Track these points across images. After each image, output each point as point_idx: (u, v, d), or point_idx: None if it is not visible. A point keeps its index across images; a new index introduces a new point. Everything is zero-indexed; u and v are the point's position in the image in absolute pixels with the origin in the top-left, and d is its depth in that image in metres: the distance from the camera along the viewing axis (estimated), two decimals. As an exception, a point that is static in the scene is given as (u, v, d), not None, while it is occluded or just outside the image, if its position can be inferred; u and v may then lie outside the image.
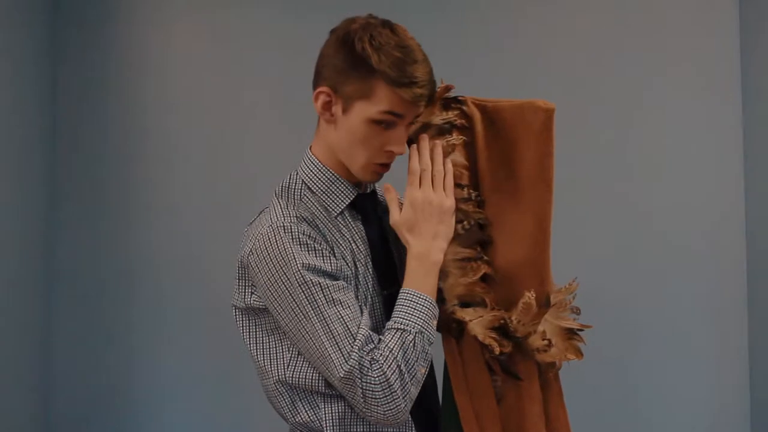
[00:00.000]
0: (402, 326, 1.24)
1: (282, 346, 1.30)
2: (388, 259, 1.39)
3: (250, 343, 1.34)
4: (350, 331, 1.21)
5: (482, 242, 1.32)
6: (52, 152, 2.75)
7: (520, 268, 1.31)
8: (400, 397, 1.20)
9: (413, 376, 1.22)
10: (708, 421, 2.47)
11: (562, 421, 1.37)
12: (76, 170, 2.75)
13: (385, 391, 1.19)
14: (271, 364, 1.31)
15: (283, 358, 1.30)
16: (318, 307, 1.22)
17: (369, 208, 1.40)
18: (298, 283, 1.22)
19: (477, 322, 1.29)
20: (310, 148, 1.39)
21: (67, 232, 2.74)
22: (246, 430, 2.63)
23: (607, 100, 2.51)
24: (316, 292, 1.22)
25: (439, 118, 1.32)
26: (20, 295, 2.59)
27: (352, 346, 1.20)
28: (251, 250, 1.27)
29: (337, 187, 1.35)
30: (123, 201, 2.74)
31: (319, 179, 1.35)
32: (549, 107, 1.29)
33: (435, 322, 1.28)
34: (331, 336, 1.21)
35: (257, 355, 1.33)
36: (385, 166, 1.34)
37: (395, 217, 1.31)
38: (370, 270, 1.34)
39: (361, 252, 1.34)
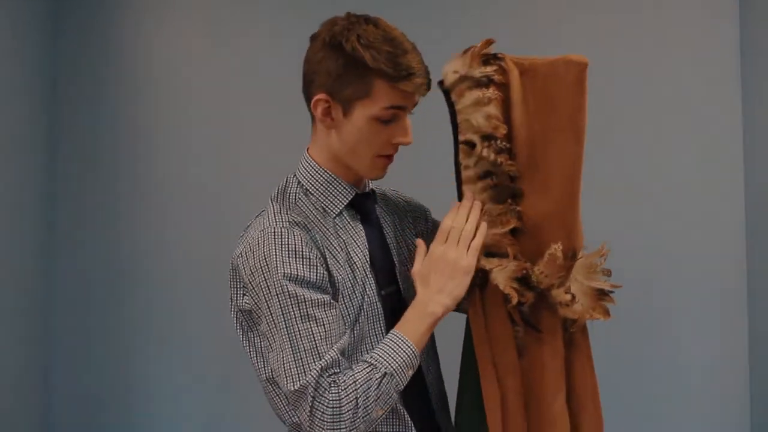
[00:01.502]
0: (375, 363, 1.22)
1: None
2: (387, 259, 1.39)
3: (244, 345, 1.34)
4: (317, 350, 1.20)
5: (513, 194, 1.32)
6: (52, 152, 2.75)
7: (549, 220, 1.32)
8: (346, 429, 1.18)
9: (367, 414, 1.20)
10: (708, 422, 2.47)
11: (588, 383, 1.36)
12: (76, 170, 2.75)
13: (335, 417, 1.18)
14: (261, 363, 1.32)
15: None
16: (290, 319, 1.21)
17: (368, 208, 1.40)
18: (276, 292, 1.22)
19: (500, 270, 1.29)
20: (307, 151, 1.39)
21: (67, 232, 2.74)
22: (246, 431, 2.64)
23: (606, 100, 2.51)
24: (292, 304, 1.21)
25: (478, 71, 1.31)
26: (20, 295, 2.59)
27: (313, 364, 1.19)
28: (240, 253, 1.29)
29: (335, 188, 1.35)
30: (123, 201, 2.74)
31: (317, 180, 1.35)
32: (582, 61, 1.33)
33: (410, 372, 1.25)
34: (297, 350, 1.20)
35: (251, 354, 1.33)
36: (390, 158, 1.34)
37: (415, 267, 1.31)
38: (368, 270, 1.33)
39: (360, 252, 1.34)
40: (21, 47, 2.62)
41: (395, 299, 1.36)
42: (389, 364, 1.22)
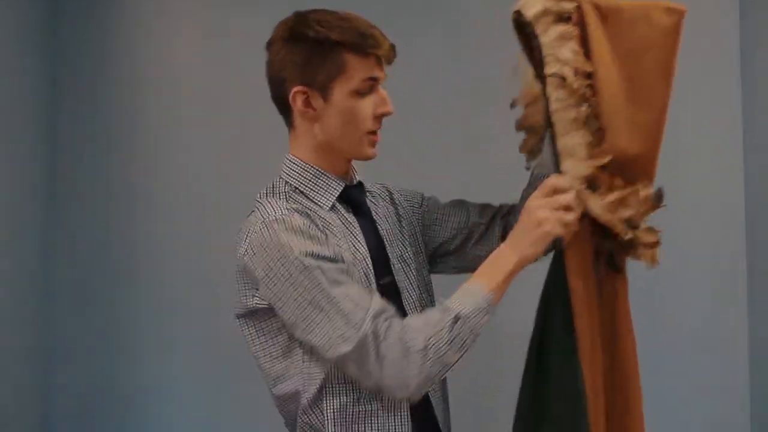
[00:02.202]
0: (446, 306, 1.21)
1: (292, 345, 1.28)
2: (381, 250, 1.38)
3: (256, 349, 1.31)
4: (359, 305, 1.19)
5: (601, 129, 1.30)
6: (52, 152, 2.75)
7: (633, 162, 1.32)
8: (417, 367, 1.16)
9: (439, 356, 1.18)
10: (708, 422, 2.47)
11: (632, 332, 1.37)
12: (76, 170, 2.76)
13: (403, 356, 1.16)
14: (271, 364, 1.30)
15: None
16: (323, 289, 1.20)
17: (359, 200, 1.40)
18: (298, 270, 1.20)
19: (598, 204, 1.27)
20: (289, 154, 1.38)
21: (66, 232, 2.74)
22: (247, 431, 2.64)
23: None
24: (319, 275, 1.20)
25: (559, 6, 1.29)
26: (21, 295, 2.59)
27: (362, 316, 1.18)
28: (246, 250, 1.26)
29: (324, 181, 1.35)
30: (124, 201, 2.74)
31: (304, 177, 1.34)
32: (682, 10, 1.32)
33: (486, 318, 1.21)
34: (341, 313, 1.18)
35: (264, 360, 1.31)
36: (376, 134, 1.35)
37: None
38: (368, 261, 1.33)
39: (359, 243, 1.34)
40: (21, 47, 2.62)
41: (392, 290, 1.35)
42: (461, 308, 1.20)
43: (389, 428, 1.29)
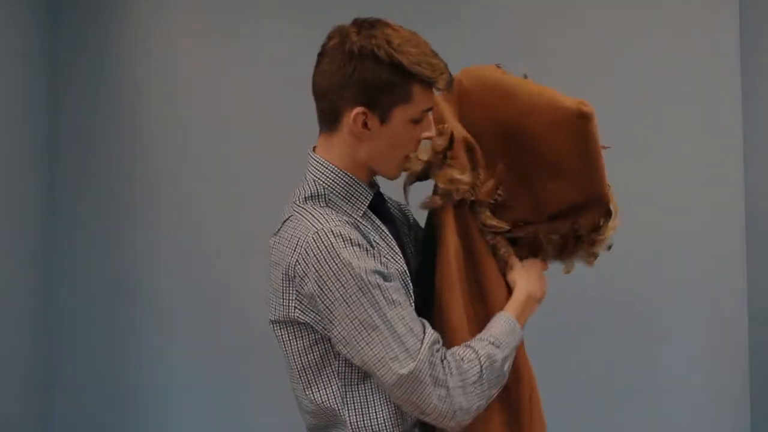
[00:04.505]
0: (497, 342, 1.26)
1: (326, 358, 1.28)
2: (405, 257, 1.37)
3: (292, 357, 1.30)
4: (413, 331, 1.21)
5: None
6: (54, 153, 2.75)
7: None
8: (475, 392, 1.21)
9: (483, 390, 1.23)
10: (708, 423, 2.47)
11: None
12: (77, 171, 2.75)
13: (460, 383, 1.20)
14: (301, 373, 1.29)
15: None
16: (380, 309, 1.20)
17: (384, 208, 1.40)
18: (357, 287, 1.19)
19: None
20: (316, 154, 1.34)
21: (67, 233, 2.74)
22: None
23: (606, 100, 2.51)
24: (377, 294, 1.20)
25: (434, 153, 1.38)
26: (22, 295, 2.59)
27: (417, 343, 1.20)
28: (297, 261, 1.23)
29: (356, 190, 1.32)
30: (125, 201, 2.74)
31: (337, 183, 1.31)
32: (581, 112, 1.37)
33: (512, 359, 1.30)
34: (396, 335, 1.19)
35: (299, 369, 1.29)
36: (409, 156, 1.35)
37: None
38: (407, 275, 1.32)
39: (397, 255, 1.32)
40: (21, 47, 2.62)
41: (417, 295, 1.34)
42: (508, 347, 1.27)
43: None
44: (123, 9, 2.78)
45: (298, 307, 1.25)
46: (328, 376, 1.28)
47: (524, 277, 1.38)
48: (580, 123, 1.34)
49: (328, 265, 1.20)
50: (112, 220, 2.73)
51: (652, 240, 2.49)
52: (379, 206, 1.37)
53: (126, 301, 2.72)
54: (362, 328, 1.20)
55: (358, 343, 1.20)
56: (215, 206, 2.68)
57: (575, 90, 2.61)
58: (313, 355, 1.27)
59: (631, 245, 2.47)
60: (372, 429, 1.26)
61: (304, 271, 1.22)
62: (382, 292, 1.20)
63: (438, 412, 1.20)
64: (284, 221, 1.31)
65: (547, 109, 1.34)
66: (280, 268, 1.26)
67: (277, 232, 1.31)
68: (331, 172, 1.32)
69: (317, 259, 1.21)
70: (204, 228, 2.68)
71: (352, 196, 1.32)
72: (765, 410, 2.37)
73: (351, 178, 1.32)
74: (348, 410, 1.26)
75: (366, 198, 1.33)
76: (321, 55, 1.31)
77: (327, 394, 1.28)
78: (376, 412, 1.26)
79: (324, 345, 1.27)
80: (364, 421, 1.26)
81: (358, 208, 1.32)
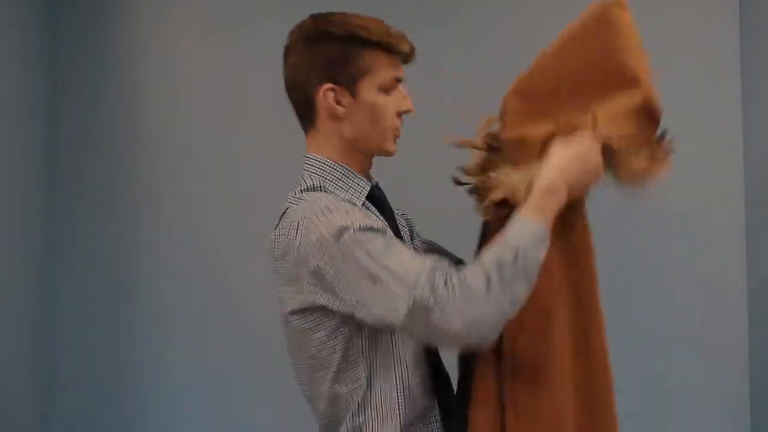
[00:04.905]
0: (501, 242, 1.19)
1: (348, 347, 1.27)
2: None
3: (313, 348, 1.28)
4: (412, 268, 1.17)
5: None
6: (54, 153, 2.75)
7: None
8: (483, 300, 1.14)
9: (506, 288, 1.16)
10: (708, 422, 2.47)
11: None
12: (77, 171, 2.75)
13: (466, 292, 1.14)
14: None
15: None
16: (377, 256, 1.17)
17: (382, 199, 1.39)
18: (352, 243, 1.18)
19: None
20: (311, 154, 1.35)
21: (67, 233, 2.74)
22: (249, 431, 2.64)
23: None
24: (373, 241, 1.19)
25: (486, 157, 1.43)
26: (22, 295, 2.59)
27: (418, 274, 1.16)
28: (300, 243, 1.22)
29: (353, 181, 1.33)
30: (125, 201, 2.74)
31: (333, 176, 1.32)
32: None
33: (543, 247, 1.20)
34: (396, 276, 1.16)
35: (320, 360, 1.28)
36: (398, 131, 1.35)
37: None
38: None
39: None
40: (21, 47, 2.62)
41: None
42: (518, 240, 1.19)
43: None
44: (123, 9, 2.78)
45: (313, 289, 1.23)
46: (352, 365, 1.27)
47: (557, 154, 1.30)
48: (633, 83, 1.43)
49: (328, 236, 1.20)
50: (112, 220, 2.73)
51: (652, 240, 2.49)
52: (377, 199, 1.37)
53: (126, 301, 2.72)
54: (362, 282, 1.18)
55: (366, 298, 1.19)
56: (215, 206, 2.68)
57: (575, 90, 2.60)
58: (335, 343, 1.26)
59: (630, 245, 2.48)
60: (387, 413, 1.27)
61: (307, 250, 1.22)
62: (372, 241, 1.19)
63: (454, 332, 1.15)
64: (282, 214, 1.31)
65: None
66: (289, 256, 1.25)
67: (277, 225, 1.31)
68: (327, 165, 1.33)
69: (318, 233, 1.20)
70: (204, 228, 2.68)
71: (350, 187, 1.33)
72: (765, 410, 2.37)
73: (347, 169, 1.33)
74: (368, 396, 1.27)
75: (363, 188, 1.34)
76: (285, 54, 1.36)
77: (348, 384, 1.27)
78: (396, 397, 1.27)
79: (344, 334, 1.26)
80: (383, 404, 1.27)
81: (357, 199, 1.32)
